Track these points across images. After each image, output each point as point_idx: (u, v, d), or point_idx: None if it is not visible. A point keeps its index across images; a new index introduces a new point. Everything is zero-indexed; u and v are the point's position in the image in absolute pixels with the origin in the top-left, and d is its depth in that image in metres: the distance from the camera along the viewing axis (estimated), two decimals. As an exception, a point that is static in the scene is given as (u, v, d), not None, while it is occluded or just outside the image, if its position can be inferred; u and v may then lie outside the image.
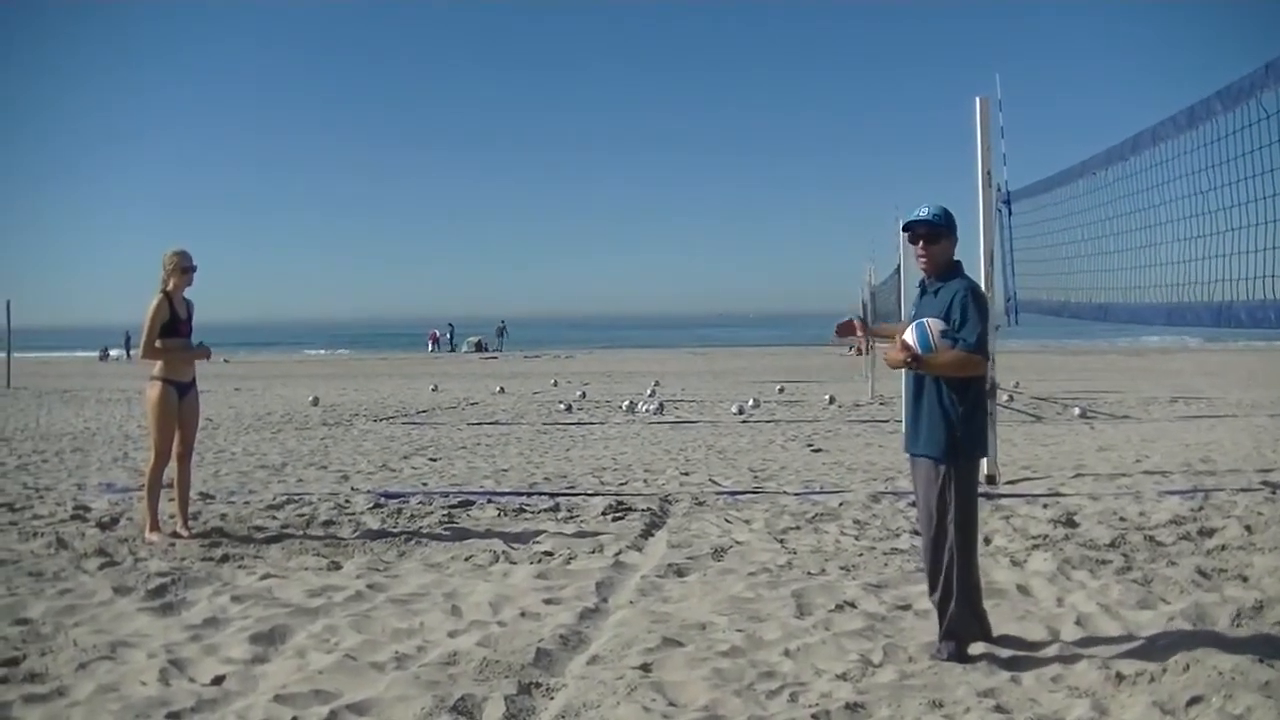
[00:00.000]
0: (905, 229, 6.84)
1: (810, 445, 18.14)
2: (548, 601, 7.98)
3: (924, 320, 6.45)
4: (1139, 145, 8.77)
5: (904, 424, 6.98)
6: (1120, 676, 6.13)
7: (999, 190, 12.76)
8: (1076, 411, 23.20)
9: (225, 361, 59.61)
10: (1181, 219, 7.96)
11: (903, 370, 6.82)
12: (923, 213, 6.67)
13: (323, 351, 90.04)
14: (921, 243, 6.68)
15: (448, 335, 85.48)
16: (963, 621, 6.60)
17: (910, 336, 6.41)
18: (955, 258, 6.79)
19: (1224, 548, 9.31)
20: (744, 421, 22.82)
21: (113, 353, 74.43)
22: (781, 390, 32.31)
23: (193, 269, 10.40)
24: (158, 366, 10.25)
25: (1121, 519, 10.60)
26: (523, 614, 7.67)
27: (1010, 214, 12.77)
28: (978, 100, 12.38)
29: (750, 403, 26.21)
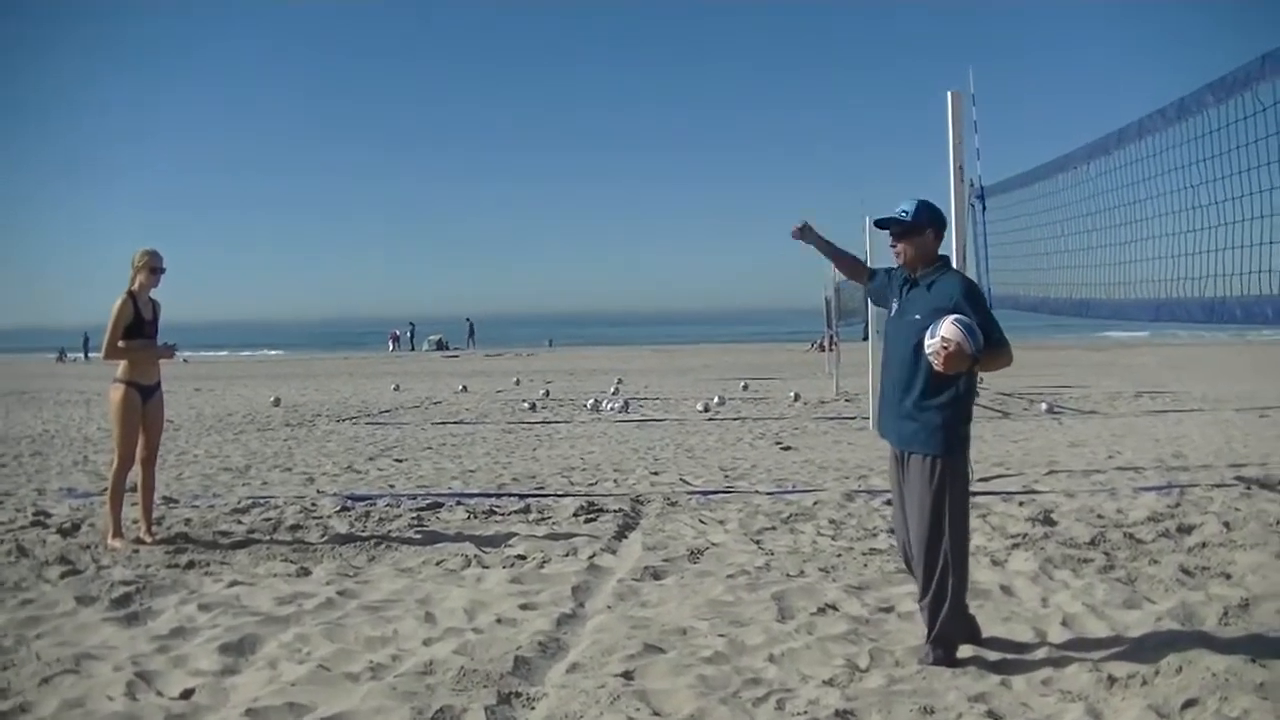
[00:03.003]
0: (878, 226, 6.74)
1: (779, 443, 18.03)
2: (523, 607, 7.82)
3: (961, 318, 6.23)
4: (1124, 139, 8.65)
5: (886, 420, 6.78)
6: (1112, 679, 6.04)
7: (972, 185, 12.64)
8: (1044, 407, 23.19)
9: (184, 361, 59.28)
10: (1170, 213, 7.84)
11: (882, 363, 6.75)
12: (895, 210, 6.59)
13: (277, 352, 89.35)
14: (892, 238, 6.63)
15: (408, 334, 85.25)
16: (954, 625, 6.48)
17: (959, 335, 6.17)
18: (942, 253, 6.71)
19: (1205, 545, 9.25)
20: (710, 419, 22.72)
21: (70, 354, 73.81)
22: (746, 387, 32.25)
23: (161, 270, 10.17)
24: (121, 368, 10.03)
25: (1099, 516, 10.53)
26: (499, 620, 7.50)
27: (984, 209, 12.64)
28: (950, 94, 12.25)
29: (716, 400, 26.15)
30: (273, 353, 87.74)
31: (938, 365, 6.15)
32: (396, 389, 34.33)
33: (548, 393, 30.86)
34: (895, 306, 6.72)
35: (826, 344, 37.78)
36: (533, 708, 5.91)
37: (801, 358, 52.92)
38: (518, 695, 6.05)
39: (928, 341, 6.22)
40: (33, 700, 6.06)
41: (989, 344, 6.21)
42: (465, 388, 33.75)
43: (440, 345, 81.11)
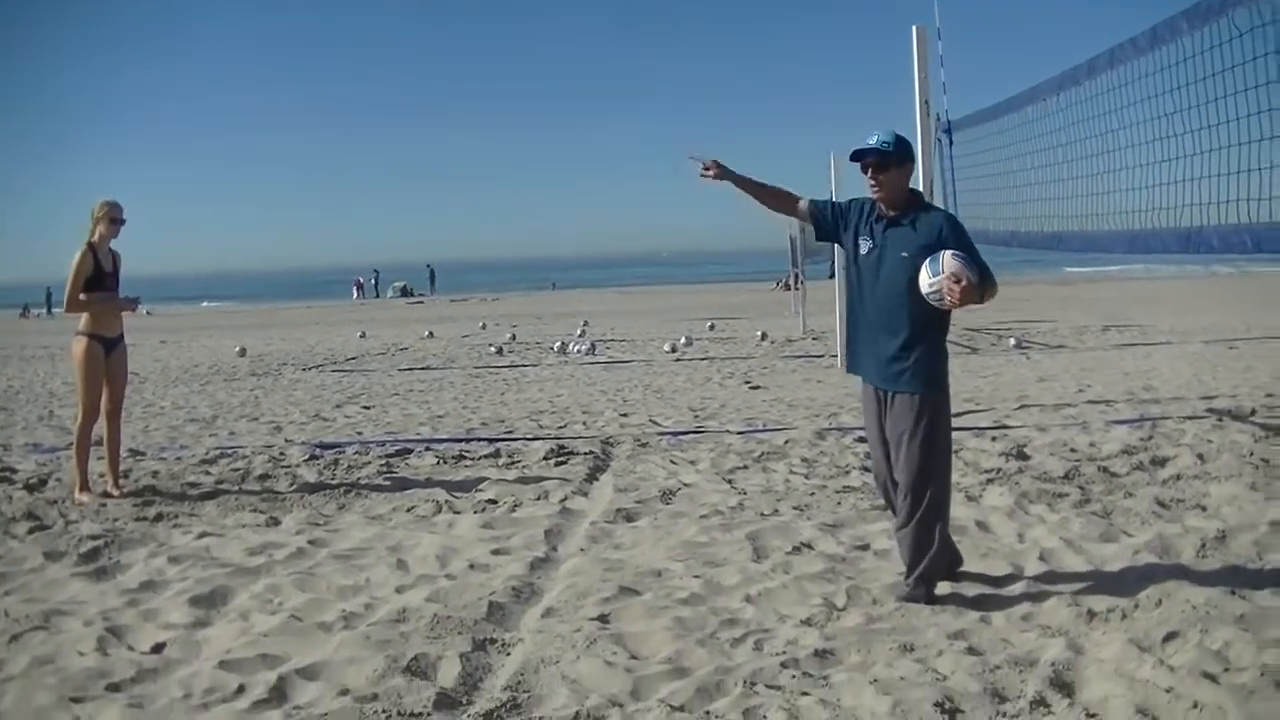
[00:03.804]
0: (854, 158, 6.55)
1: (748, 382, 17.94)
2: (496, 552, 7.76)
3: (959, 253, 6.15)
4: (1095, 69, 8.58)
5: (864, 361, 6.67)
6: (1092, 614, 6.02)
7: (939, 119, 12.58)
8: (1012, 342, 23.14)
9: (148, 314, 58.76)
10: (1143, 143, 7.79)
11: (856, 303, 6.64)
12: (870, 140, 6.41)
13: (242, 304, 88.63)
14: (871, 171, 6.42)
15: (372, 281, 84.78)
16: (940, 564, 6.44)
17: (960, 267, 6.05)
18: (912, 187, 6.57)
19: (1179, 477, 9.23)
20: (678, 360, 22.61)
21: (34, 310, 73.02)
22: (712, 327, 32.08)
23: (121, 220, 10.03)
24: (83, 321, 9.89)
25: (1072, 450, 10.51)
26: (471, 566, 7.45)
27: (951, 144, 12.60)
28: (915, 29, 12.17)
29: (683, 340, 26.02)
30: (237, 304, 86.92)
31: (948, 302, 6.07)
32: (362, 336, 34.03)
33: (514, 336, 30.66)
34: (869, 244, 6.56)
35: (792, 282, 37.65)
36: (508, 653, 5.86)
37: (767, 297, 52.72)
38: (492, 641, 6.00)
39: (928, 280, 6.13)
40: (2, 658, 5.98)
41: (980, 277, 6.16)
42: (431, 333, 33.51)
43: (405, 292, 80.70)
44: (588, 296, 66.93)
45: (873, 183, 6.42)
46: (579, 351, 24.80)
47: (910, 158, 6.48)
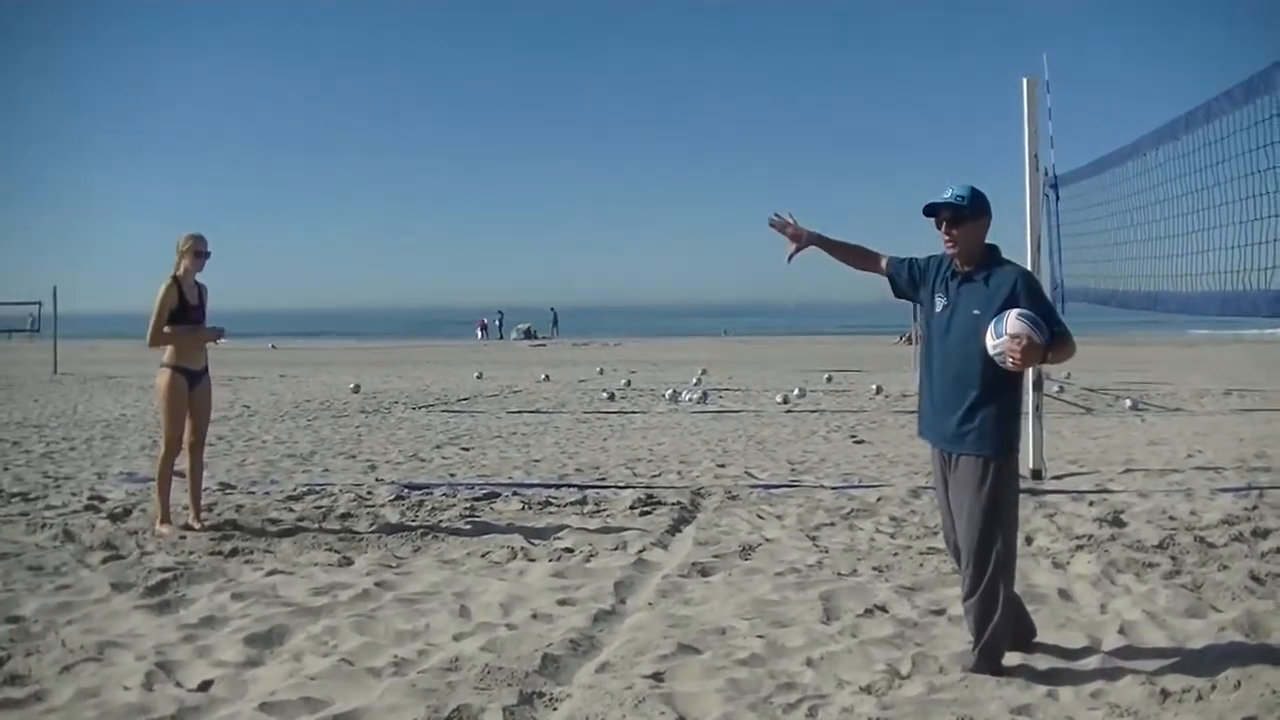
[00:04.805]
0: (927, 213, 6.38)
1: (853, 436, 17.72)
2: (562, 603, 7.64)
3: (1025, 312, 5.96)
4: (1191, 123, 8.32)
5: (932, 422, 6.47)
6: (1165, 693, 5.75)
7: (1046, 174, 12.35)
8: (1127, 403, 22.64)
9: (272, 348, 59.62)
10: (1238, 200, 7.50)
11: (929, 363, 6.47)
12: (945, 194, 6.24)
13: (362, 341, 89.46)
14: (945, 225, 6.25)
15: (497, 322, 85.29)
16: (1005, 634, 6.20)
17: (1028, 329, 5.87)
18: (989, 242, 6.37)
19: (1279, 550, 8.86)
20: (788, 411, 22.36)
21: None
22: (829, 379, 31.76)
23: (206, 254, 10.11)
24: (167, 353, 9.98)
25: (1171, 518, 10.16)
26: (534, 616, 7.33)
27: (1058, 199, 12.36)
28: (1025, 81, 11.99)
29: (796, 392, 25.83)
30: (360, 342, 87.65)
31: (1011, 363, 5.89)
32: (479, 377, 34.06)
33: (629, 382, 30.58)
34: (944, 301, 6.39)
35: (914, 337, 37.34)
36: (554, 708, 5.73)
37: (890, 350, 52.23)
38: (540, 695, 5.87)
39: (992, 341, 5.96)
40: (49, 689, 5.98)
41: (1053, 336, 5.95)
42: (548, 376, 33.50)
43: (528, 334, 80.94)
44: (710, 344, 66.80)
45: (946, 237, 6.25)
46: (690, 400, 24.65)
47: (985, 211, 6.27)
